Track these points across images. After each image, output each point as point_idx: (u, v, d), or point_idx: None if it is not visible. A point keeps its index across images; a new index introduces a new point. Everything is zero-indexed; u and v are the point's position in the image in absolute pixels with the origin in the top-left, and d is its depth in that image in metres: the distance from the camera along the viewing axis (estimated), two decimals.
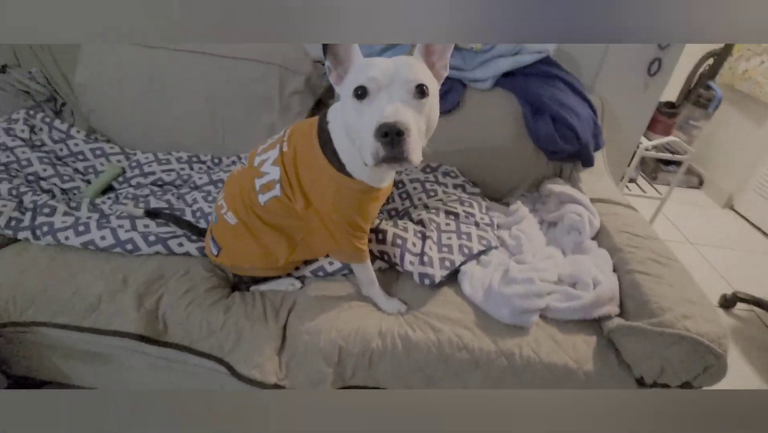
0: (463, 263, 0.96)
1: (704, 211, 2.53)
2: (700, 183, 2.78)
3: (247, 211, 0.88)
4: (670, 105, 1.91)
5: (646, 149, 1.63)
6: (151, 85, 1.35)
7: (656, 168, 2.62)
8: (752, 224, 2.42)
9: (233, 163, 1.36)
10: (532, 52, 1.20)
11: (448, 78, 1.25)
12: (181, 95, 1.34)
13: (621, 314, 0.87)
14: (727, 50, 2.36)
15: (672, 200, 2.15)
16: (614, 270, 0.94)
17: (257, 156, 0.88)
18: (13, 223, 1.00)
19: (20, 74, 1.54)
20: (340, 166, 0.78)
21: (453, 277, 0.97)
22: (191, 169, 1.33)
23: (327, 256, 0.99)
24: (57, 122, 1.33)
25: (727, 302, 1.65)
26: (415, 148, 0.60)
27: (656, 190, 1.92)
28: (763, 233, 2.35)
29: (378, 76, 0.62)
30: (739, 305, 1.68)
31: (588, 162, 1.24)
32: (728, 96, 2.52)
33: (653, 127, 1.82)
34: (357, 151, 0.69)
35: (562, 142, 1.19)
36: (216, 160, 1.37)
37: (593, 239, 1.05)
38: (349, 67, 0.69)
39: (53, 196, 1.16)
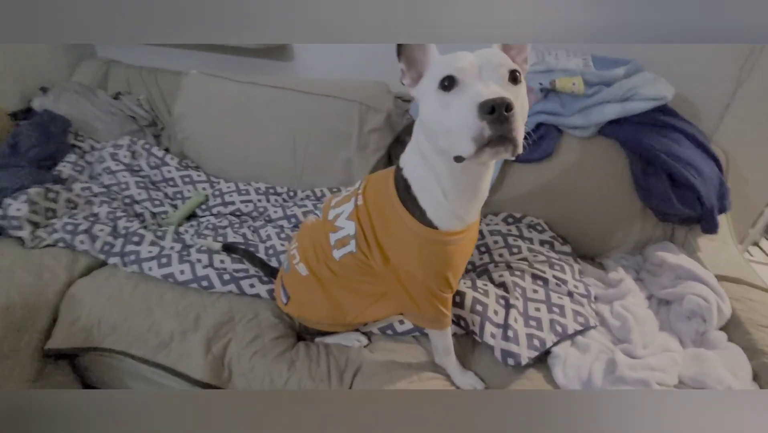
0: (555, 344, 0.83)
1: None
2: None
3: (319, 264, 0.84)
4: None
5: None
6: (239, 117, 1.40)
7: None
8: None
9: (307, 197, 1.35)
10: (647, 98, 1.04)
11: (542, 124, 1.15)
12: (266, 128, 1.38)
13: None
14: None
15: None
16: (754, 379, 0.75)
17: (331, 209, 0.84)
18: (106, 247, 1.06)
19: (130, 101, 1.70)
20: (420, 215, 0.70)
21: (541, 356, 0.84)
22: (267, 201, 1.34)
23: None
24: (155, 149, 1.42)
25: None
26: (521, 130, 0.54)
27: None
28: None
29: (466, 66, 0.56)
30: None
31: (711, 229, 1.04)
32: None
33: None
34: (442, 159, 0.63)
35: (680, 204, 1.01)
36: (291, 193, 1.38)
37: (721, 329, 0.86)
38: (425, 68, 0.64)
39: (143, 221, 1.23)
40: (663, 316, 0.92)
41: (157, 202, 1.31)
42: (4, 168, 1.24)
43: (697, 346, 0.84)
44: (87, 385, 1.08)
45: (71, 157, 1.38)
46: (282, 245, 1.11)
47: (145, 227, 1.13)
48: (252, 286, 0.98)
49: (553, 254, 1.07)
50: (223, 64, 1.70)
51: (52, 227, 1.07)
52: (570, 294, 0.94)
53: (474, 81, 0.56)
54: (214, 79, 1.44)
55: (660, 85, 1.07)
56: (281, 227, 1.21)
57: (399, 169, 0.74)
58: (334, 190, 1.33)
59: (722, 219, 1.11)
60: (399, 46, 0.63)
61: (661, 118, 1.05)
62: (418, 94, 0.64)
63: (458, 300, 0.90)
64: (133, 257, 1.01)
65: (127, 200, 1.29)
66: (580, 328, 0.85)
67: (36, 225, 1.07)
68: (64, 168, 1.33)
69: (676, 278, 0.95)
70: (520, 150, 0.55)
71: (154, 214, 1.29)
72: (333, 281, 0.85)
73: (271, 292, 0.98)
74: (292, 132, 1.35)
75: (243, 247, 1.09)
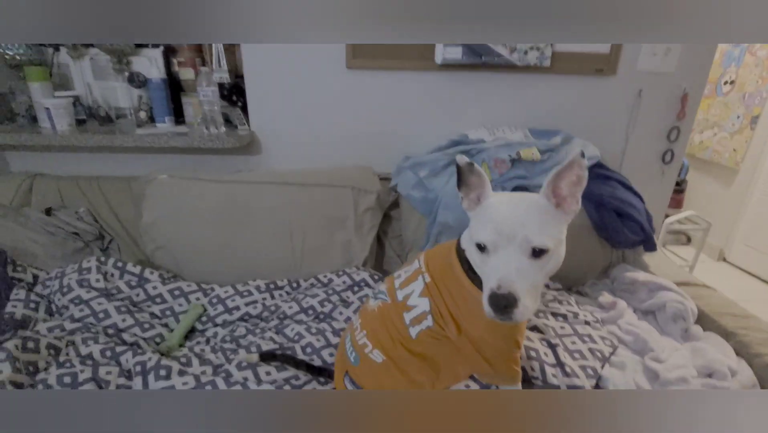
0: (602, 368, 0.98)
1: (703, 267, 2.74)
2: (688, 240, 3.05)
3: (395, 346, 0.87)
4: (676, 183, 2.19)
5: (670, 224, 1.81)
6: (224, 217, 1.36)
7: None
8: (749, 273, 2.65)
9: (312, 285, 1.34)
10: (586, 158, 1.36)
11: (517, 187, 1.39)
12: (257, 225, 1.36)
13: None
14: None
15: (676, 260, 2.33)
16: (737, 354, 0.99)
17: (398, 290, 0.90)
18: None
19: (67, 215, 1.50)
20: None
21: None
22: (272, 297, 1.29)
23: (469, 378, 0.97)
24: (129, 266, 1.27)
25: None
26: (524, 311, 0.64)
27: (678, 256, 2.09)
28: (761, 279, 2.57)
29: (495, 238, 0.67)
30: None
31: (652, 247, 1.36)
32: (692, 164, 2.91)
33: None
34: None
35: (629, 232, 1.31)
36: (294, 285, 1.35)
37: (695, 324, 1.11)
38: (482, 194, 0.75)
39: (140, 349, 1.08)
40: (653, 324, 1.15)
41: (146, 326, 1.16)
42: None
43: (686, 341, 1.07)
44: None
45: (19, 293, 1.15)
46: (318, 340, 1.09)
47: (162, 355, 1.00)
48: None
49: (554, 292, 1.26)
50: (177, 164, 1.63)
51: (44, 384, 0.88)
52: (587, 323, 1.11)
53: (500, 253, 0.66)
54: (189, 181, 1.39)
55: (590, 147, 1.41)
56: (304, 322, 1.18)
57: (461, 249, 0.84)
58: (340, 273, 1.36)
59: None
60: (459, 179, 0.75)
61: (599, 172, 1.37)
62: (472, 219, 0.76)
63: None
64: None
65: (111, 330, 1.12)
66: (611, 349, 1.03)
67: (19, 386, 0.87)
68: (15, 309, 1.11)
69: (649, 291, 1.20)
70: (526, 319, 0.67)
71: (146, 340, 1.13)
72: (409, 361, 0.88)
73: None
74: (287, 224, 1.37)
75: (280, 352, 1.04)
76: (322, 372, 1.00)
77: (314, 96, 1.55)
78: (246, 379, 0.93)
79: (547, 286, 1.31)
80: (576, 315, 1.14)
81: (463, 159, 0.73)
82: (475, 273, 0.81)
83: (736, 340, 1.01)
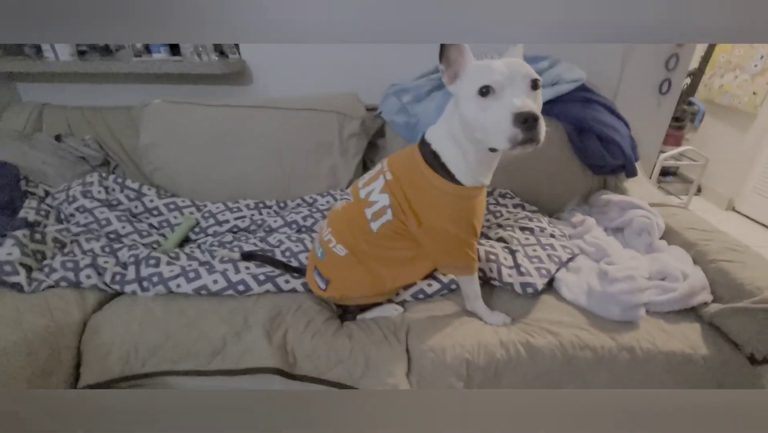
0: (557, 270, 1.03)
1: (710, 216, 2.69)
2: (699, 190, 2.97)
3: (357, 240, 0.94)
4: (675, 119, 2.12)
5: (665, 159, 1.78)
6: (216, 140, 1.43)
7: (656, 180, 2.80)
8: (757, 222, 2.58)
9: (298, 205, 1.42)
10: (569, 81, 1.35)
11: None
12: (247, 148, 1.43)
13: (714, 301, 0.94)
14: (701, 69, 2.65)
15: (674, 201, 2.28)
16: (694, 263, 1.02)
17: (361, 189, 0.96)
18: (117, 277, 1.02)
19: (75, 142, 1.60)
20: (450, 177, 0.86)
21: (547, 285, 1.03)
22: (260, 214, 1.38)
23: (425, 278, 1.04)
24: (128, 182, 1.38)
25: None
26: (543, 130, 0.69)
27: (677, 197, 2.06)
28: None
29: (500, 78, 0.71)
30: None
31: (632, 172, 1.36)
32: (709, 110, 2.78)
33: (665, 140, 2.01)
34: (473, 144, 0.80)
35: (610, 157, 1.31)
36: (282, 204, 1.43)
37: (660, 239, 1.14)
38: (461, 69, 0.78)
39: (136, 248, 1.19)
40: (620, 239, 1.18)
41: (144, 234, 1.26)
42: None
43: (649, 253, 1.10)
44: None
45: (32, 202, 1.27)
46: (297, 246, 1.17)
47: (155, 250, 1.10)
48: (287, 282, 1.03)
49: (527, 213, 1.30)
50: (173, 94, 1.69)
51: (49, 267, 1.00)
52: (552, 235, 1.16)
53: (506, 91, 0.71)
54: (182, 106, 1.46)
55: (576, 70, 1.38)
56: (285, 233, 1.27)
57: (427, 144, 0.88)
58: (324, 194, 1.43)
59: (638, 166, 1.45)
60: (441, 48, 0.77)
61: (582, 95, 1.36)
62: (455, 91, 0.79)
63: None
64: (156, 279, 0.99)
65: (112, 236, 1.23)
66: (569, 256, 1.07)
67: (29, 269, 0.99)
68: (28, 214, 1.23)
69: (620, 210, 1.22)
70: (540, 143, 0.70)
71: (144, 246, 1.24)
72: (370, 255, 0.95)
73: (305, 285, 1.04)
74: (278, 146, 1.43)
75: (261, 253, 1.13)
76: (298, 271, 1.09)
77: None
78: (226, 270, 1.02)
79: (522, 207, 1.34)
80: (543, 230, 1.18)
81: None
82: (442, 168, 0.86)
83: (696, 249, 1.04)
